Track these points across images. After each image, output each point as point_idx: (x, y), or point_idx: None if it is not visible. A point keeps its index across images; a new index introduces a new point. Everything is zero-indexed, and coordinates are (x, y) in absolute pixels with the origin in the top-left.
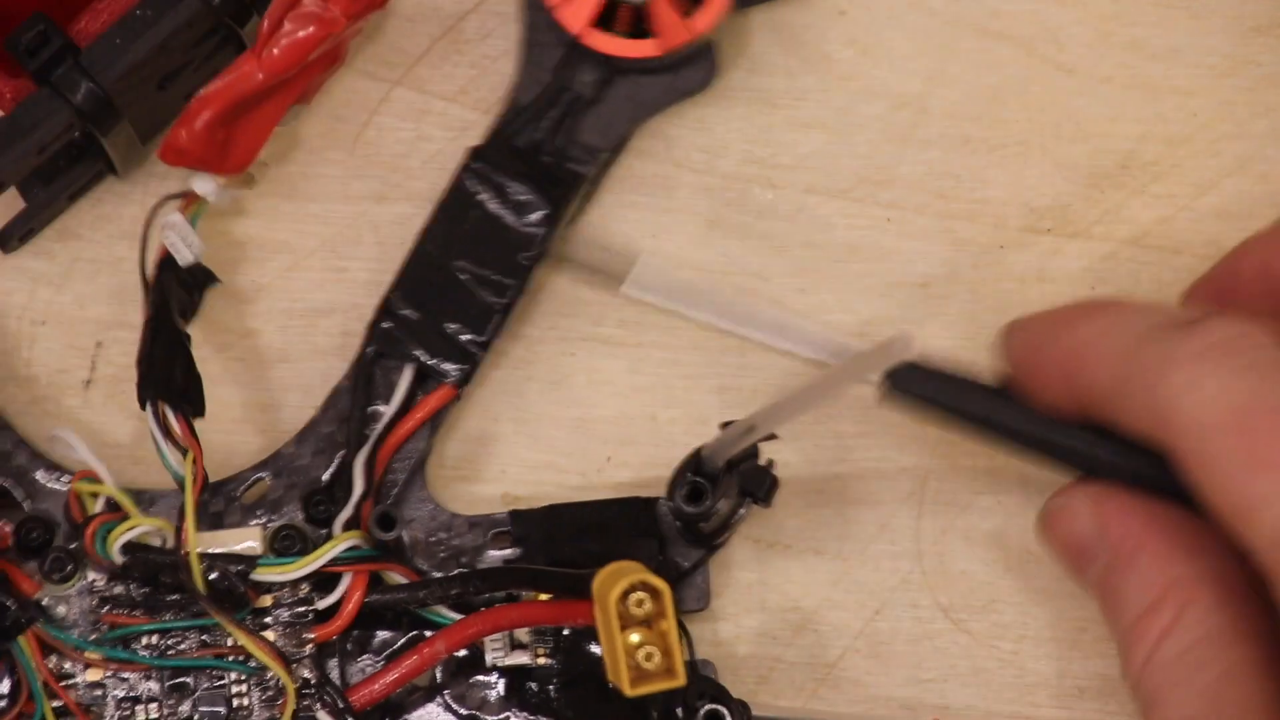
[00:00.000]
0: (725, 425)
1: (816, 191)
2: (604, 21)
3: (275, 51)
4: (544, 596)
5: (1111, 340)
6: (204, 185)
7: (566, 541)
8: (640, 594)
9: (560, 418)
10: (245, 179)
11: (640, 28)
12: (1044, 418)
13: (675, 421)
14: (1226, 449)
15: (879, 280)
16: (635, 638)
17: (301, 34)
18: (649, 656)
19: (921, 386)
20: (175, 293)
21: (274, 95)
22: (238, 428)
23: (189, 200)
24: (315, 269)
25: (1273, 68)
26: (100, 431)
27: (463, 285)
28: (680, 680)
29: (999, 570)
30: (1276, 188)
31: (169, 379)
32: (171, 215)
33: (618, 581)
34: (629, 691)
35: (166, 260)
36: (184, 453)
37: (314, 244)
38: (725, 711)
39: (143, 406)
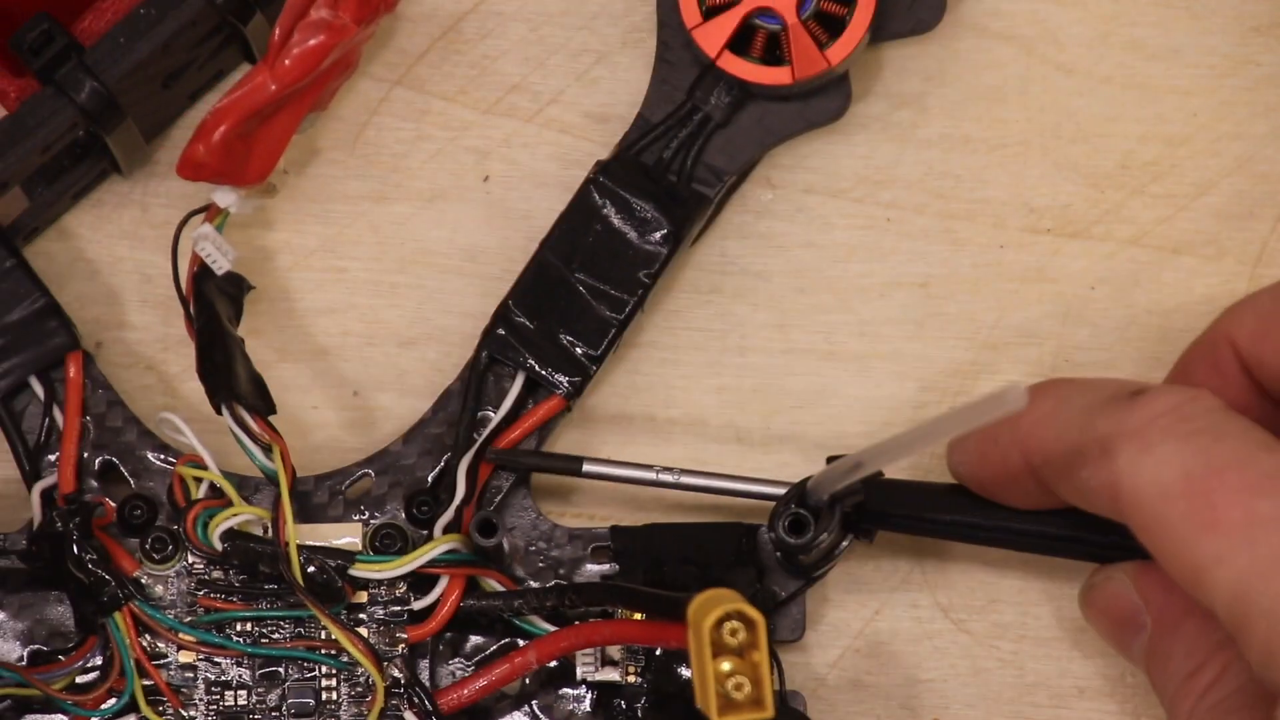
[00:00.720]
0: (832, 459)
1: (816, 191)
2: (739, 45)
3: (287, 61)
4: (639, 615)
5: (1060, 419)
6: (225, 197)
7: (666, 562)
8: (735, 623)
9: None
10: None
11: (775, 54)
12: (1009, 511)
13: (675, 421)
14: (1176, 514)
15: (878, 280)
16: (726, 666)
17: (312, 42)
18: (739, 686)
19: (889, 506)
20: (219, 299)
21: (289, 104)
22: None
23: (212, 213)
24: (315, 268)
25: (1272, 68)
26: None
27: (580, 297)
28: (769, 712)
29: (999, 570)
30: (1276, 187)
31: (234, 382)
32: (202, 227)
33: (713, 609)
34: (716, 719)
35: (202, 270)
36: (268, 449)
37: (314, 244)
38: None
39: (218, 411)
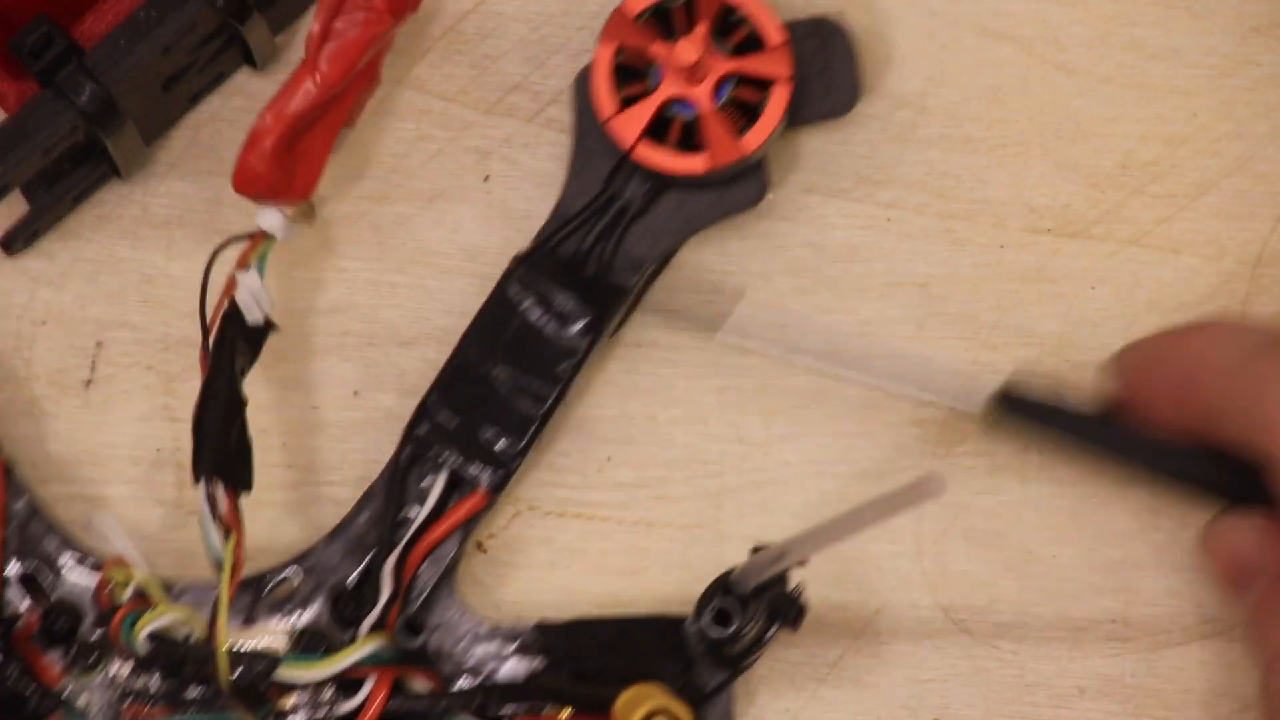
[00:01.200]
0: (756, 550)
1: (816, 191)
2: (655, 134)
3: (327, 61)
4: (566, 711)
5: (1220, 355)
6: (271, 220)
7: (592, 656)
8: (662, 718)
9: (561, 416)
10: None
11: (691, 142)
12: (1150, 441)
13: (676, 421)
14: None
15: (879, 280)
16: None
17: (351, 37)
18: None
19: (1029, 412)
20: (240, 345)
21: (326, 114)
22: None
23: (256, 240)
24: (315, 268)
25: (1272, 68)
26: (99, 431)
27: (501, 392)
28: None
29: (999, 570)
30: (1277, 187)
31: (223, 448)
32: (246, 273)
33: (640, 705)
34: None
35: (231, 314)
36: (227, 535)
37: (314, 243)
38: None
39: (196, 480)
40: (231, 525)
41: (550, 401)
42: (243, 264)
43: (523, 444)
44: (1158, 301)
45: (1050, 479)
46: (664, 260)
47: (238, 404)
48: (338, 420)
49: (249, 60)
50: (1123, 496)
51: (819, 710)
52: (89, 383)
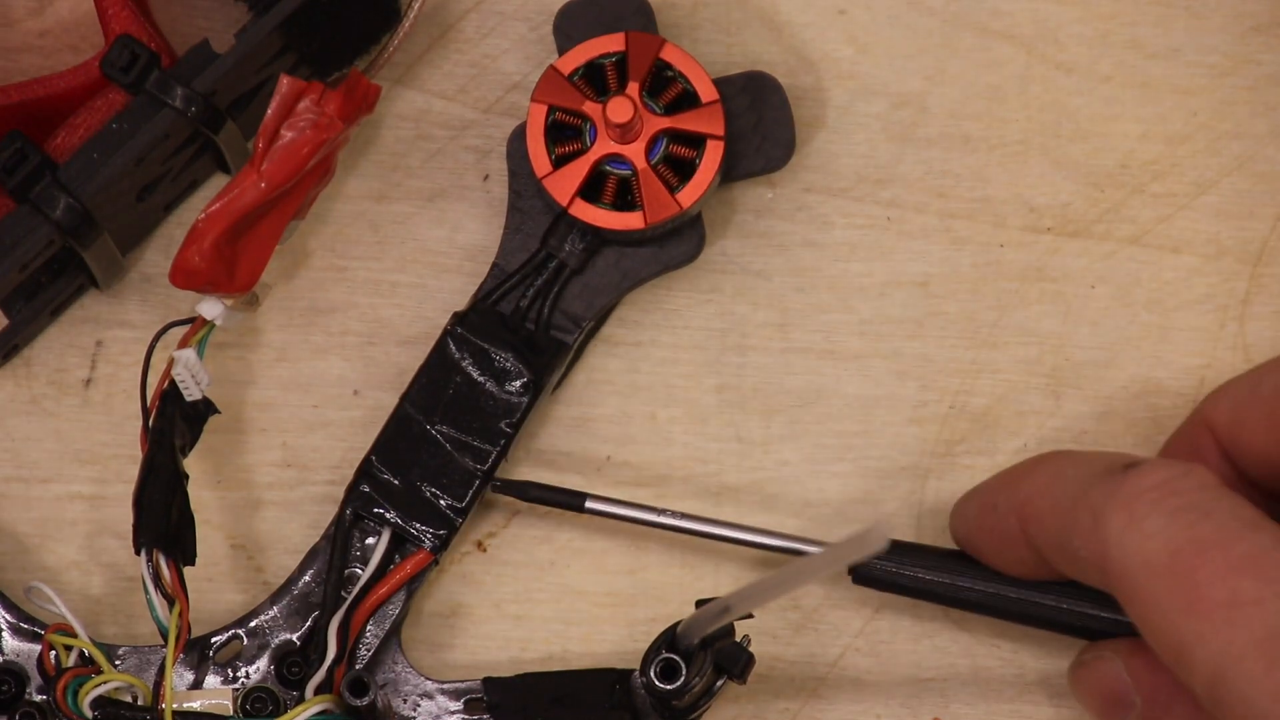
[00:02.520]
0: (701, 603)
1: (816, 190)
2: (590, 192)
3: (274, 161)
4: None
5: (1054, 491)
6: (211, 309)
7: (539, 711)
8: None
9: (560, 416)
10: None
11: (627, 199)
12: (1006, 580)
13: (675, 421)
14: (1161, 590)
15: (878, 279)
16: None
17: (299, 140)
18: None
19: (885, 569)
20: (178, 426)
21: (274, 210)
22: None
23: (197, 325)
24: (315, 268)
25: (1272, 66)
26: (100, 430)
27: (443, 450)
28: None
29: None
30: (1277, 186)
31: (164, 522)
32: (183, 351)
33: None
34: None
35: (170, 393)
36: (171, 604)
37: (314, 242)
38: None
39: (137, 552)
40: (175, 595)
41: (492, 459)
42: (183, 344)
43: (465, 502)
44: (1157, 301)
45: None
46: (603, 316)
47: (177, 480)
48: (338, 419)
49: (222, 167)
50: None
51: (819, 709)
52: (89, 382)
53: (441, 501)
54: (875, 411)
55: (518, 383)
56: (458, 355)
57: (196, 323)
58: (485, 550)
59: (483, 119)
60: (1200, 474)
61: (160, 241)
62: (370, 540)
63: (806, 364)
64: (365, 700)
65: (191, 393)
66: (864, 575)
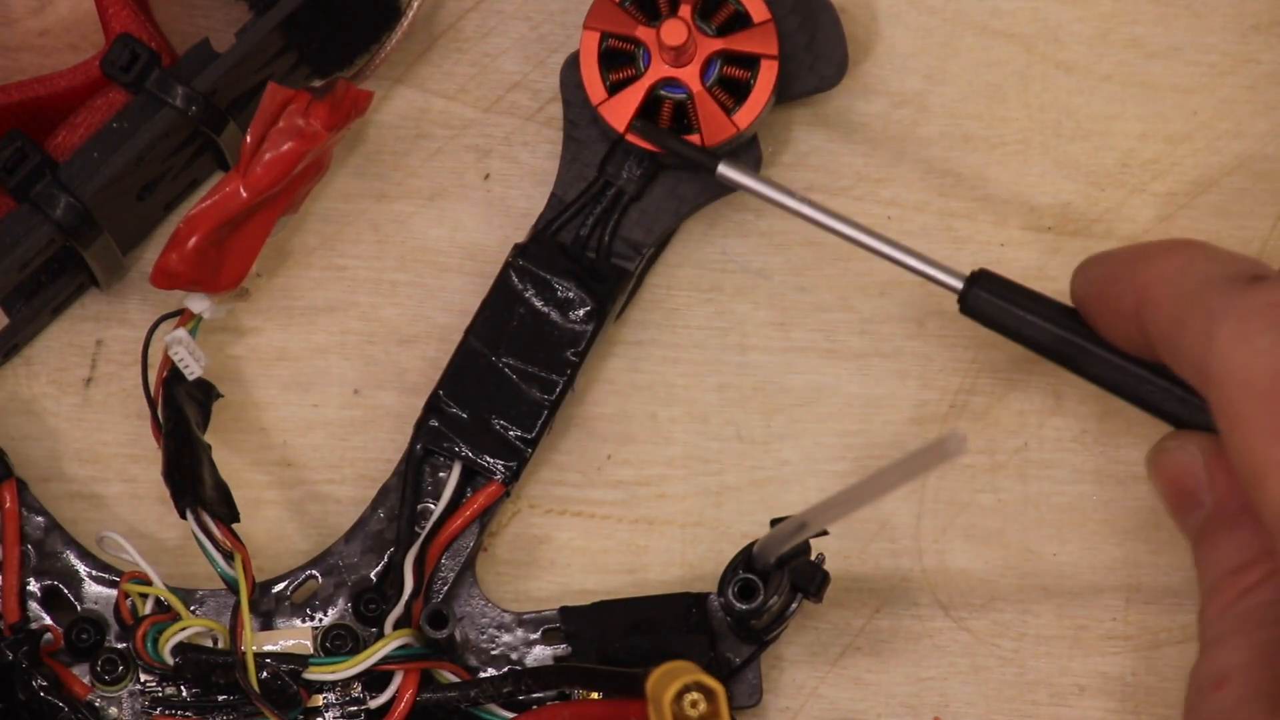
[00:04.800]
0: (776, 522)
1: (817, 189)
2: (647, 117)
3: (259, 169)
4: (595, 695)
5: (1177, 281)
6: (198, 304)
7: (617, 638)
8: (695, 694)
9: (561, 415)
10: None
11: (683, 123)
12: (1109, 351)
13: (676, 420)
14: (1255, 409)
15: (879, 278)
16: None
17: (284, 149)
18: None
19: (1001, 294)
20: (188, 403)
21: (262, 210)
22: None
23: (185, 318)
24: (315, 267)
25: (1272, 65)
26: (100, 430)
27: (509, 382)
28: None
29: (999, 569)
30: (1277, 185)
31: (199, 485)
32: (176, 331)
33: (672, 682)
34: None
35: (173, 374)
36: (230, 556)
37: (314, 242)
38: None
39: (182, 515)
40: (232, 547)
41: (559, 389)
42: (175, 327)
43: (534, 433)
44: None
45: (1050, 478)
46: (662, 243)
47: (201, 449)
48: (338, 419)
49: (222, 166)
50: (1123, 494)
51: (820, 709)
52: (89, 381)
53: (510, 433)
54: (876, 411)
55: (581, 311)
56: (520, 287)
57: (184, 315)
58: (486, 549)
59: (483, 118)
60: None
61: (161, 240)
62: (441, 475)
63: (807, 363)
64: (444, 632)
65: (192, 370)
66: (973, 307)
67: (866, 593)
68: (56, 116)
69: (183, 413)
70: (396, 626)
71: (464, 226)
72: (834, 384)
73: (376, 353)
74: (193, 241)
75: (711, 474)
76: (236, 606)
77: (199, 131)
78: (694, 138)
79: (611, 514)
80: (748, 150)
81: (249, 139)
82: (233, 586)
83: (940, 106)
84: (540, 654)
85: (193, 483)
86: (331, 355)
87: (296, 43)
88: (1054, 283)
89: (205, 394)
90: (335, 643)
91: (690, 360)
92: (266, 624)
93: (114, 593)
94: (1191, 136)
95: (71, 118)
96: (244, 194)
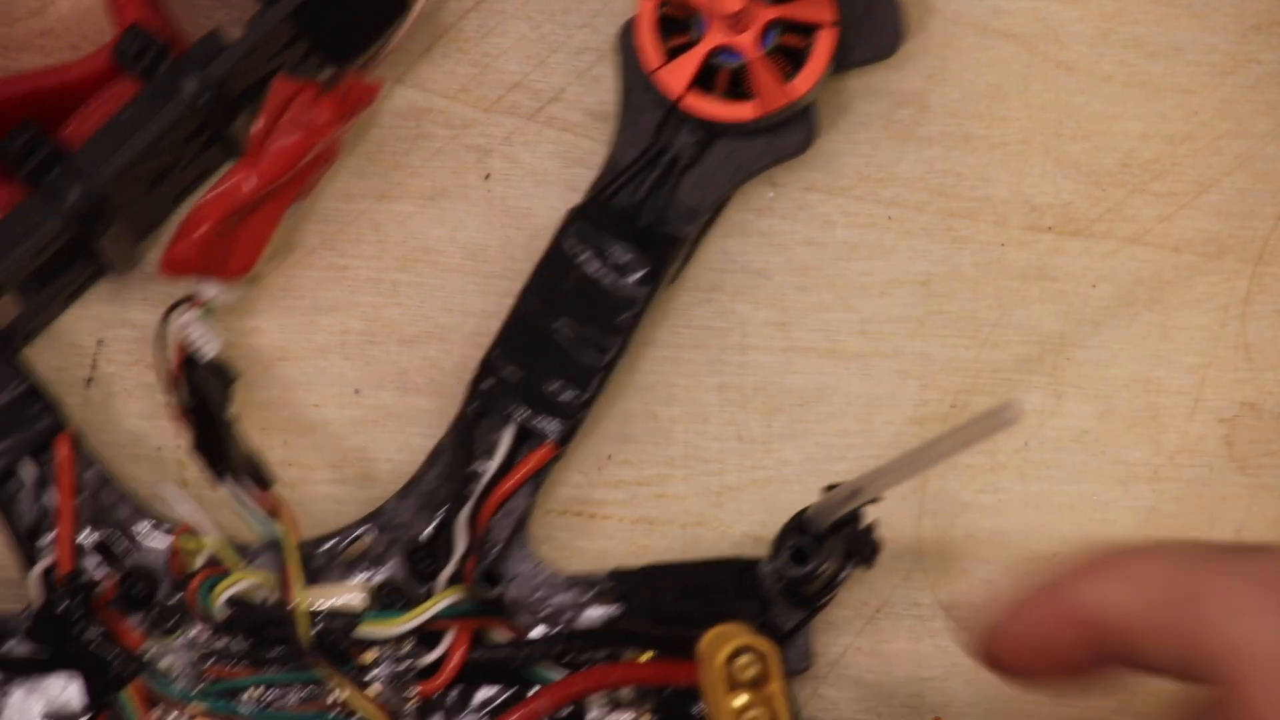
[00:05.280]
0: (829, 488)
1: (817, 189)
2: (703, 83)
3: (267, 159)
4: (647, 656)
5: (1145, 583)
6: (209, 290)
7: (668, 601)
8: (747, 657)
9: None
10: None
11: (739, 90)
12: None
13: (676, 420)
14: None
15: (880, 278)
16: (742, 700)
17: (291, 141)
18: (755, 719)
19: None
20: (208, 382)
21: (271, 200)
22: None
23: (195, 303)
24: (316, 267)
25: (1273, 65)
26: (101, 430)
27: (564, 345)
28: None
29: (999, 569)
30: (1277, 185)
31: (231, 455)
32: (186, 314)
33: (725, 644)
34: None
35: (190, 359)
36: (270, 517)
37: (315, 241)
38: None
39: (220, 481)
40: (273, 507)
41: (613, 352)
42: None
43: (588, 395)
44: (1158, 300)
45: (1050, 478)
46: (717, 209)
47: (226, 425)
48: (338, 418)
49: (233, 155)
50: (1123, 494)
51: (820, 708)
52: (90, 381)
53: (564, 395)
54: (876, 411)
55: (636, 275)
56: (575, 250)
57: (195, 301)
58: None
59: (483, 118)
60: None
61: (172, 230)
62: (494, 436)
63: (808, 363)
64: (497, 591)
65: (206, 351)
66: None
67: (867, 592)
68: (68, 106)
69: (204, 390)
70: (449, 585)
71: (465, 226)
72: (834, 384)
73: (377, 353)
74: (201, 230)
75: (712, 474)
76: (284, 561)
77: (209, 121)
78: (750, 105)
79: (612, 514)
80: (803, 119)
81: (256, 130)
82: (277, 545)
83: (940, 106)
84: (591, 615)
85: (224, 451)
86: (332, 355)
87: (307, 32)
88: (1054, 283)
89: (224, 374)
90: (387, 600)
91: (690, 360)
92: (319, 580)
93: (167, 546)
94: (1192, 136)
95: (83, 107)
96: (252, 184)
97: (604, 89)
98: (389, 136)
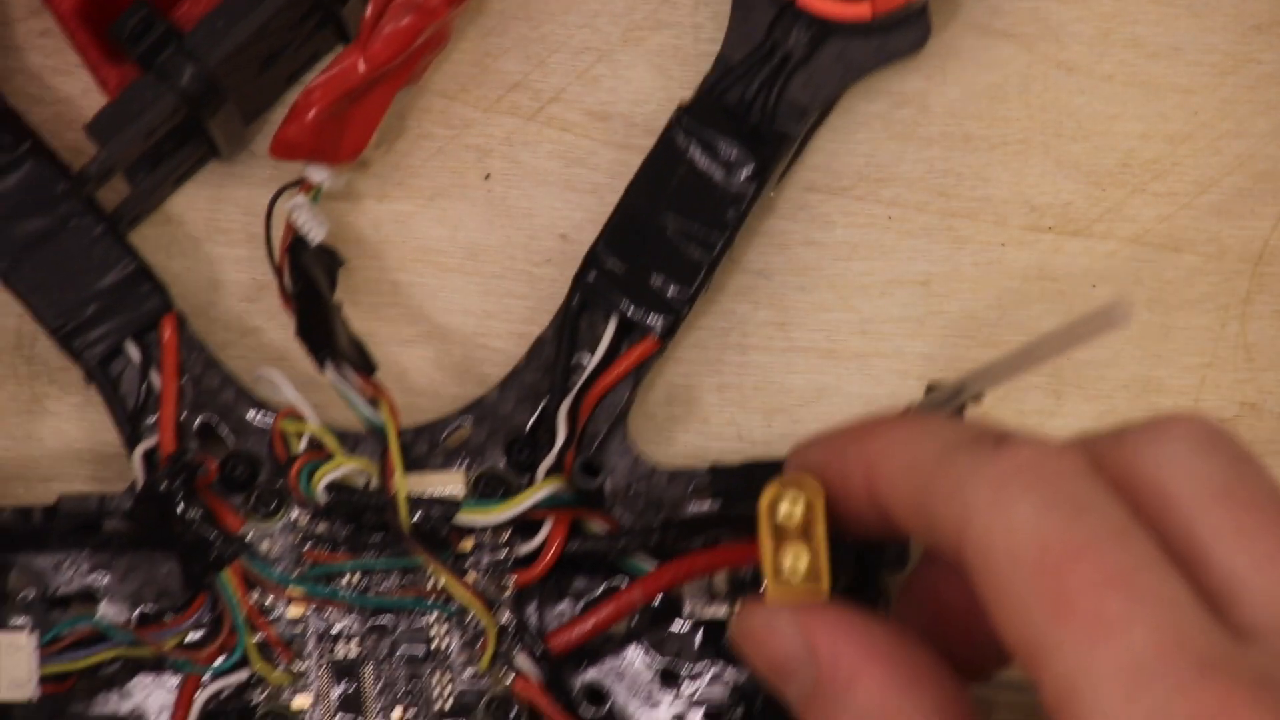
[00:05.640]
0: (930, 388)
1: (817, 189)
2: None
3: (378, 43)
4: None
5: (915, 448)
6: (318, 174)
7: None
8: (790, 497)
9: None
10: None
11: None
12: None
13: (676, 420)
14: (1026, 585)
15: (880, 278)
16: (788, 551)
17: (403, 24)
18: (795, 570)
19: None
20: (314, 267)
21: (381, 83)
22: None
23: (304, 187)
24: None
25: (1273, 65)
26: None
27: (669, 239)
28: (822, 585)
29: None
30: (1277, 185)
31: (334, 340)
32: (296, 198)
33: (769, 490)
34: (769, 601)
35: (296, 241)
36: (374, 402)
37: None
38: None
39: (321, 368)
40: (375, 393)
41: (718, 248)
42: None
43: (692, 290)
44: (1159, 299)
45: None
46: (826, 108)
47: (332, 307)
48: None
49: (344, 38)
50: None
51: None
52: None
53: (669, 289)
54: (876, 407)
55: (744, 172)
56: (683, 145)
57: (303, 185)
58: None
59: (483, 118)
60: (1074, 457)
61: (282, 114)
62: (597, 329)
63: (808, 363)
64: (597, 482)
65: (313, 234)
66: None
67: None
68: None
69: (310, 275)
70: (548, 475)
71: (464, 226)
72: (835, 384)
73: (377, 353)
74: (312, 114)
75: None
76: (386, 448)
77: (322, 3)
78: (865, 4)
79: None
80: (918, 18)
81: (369, 12)
82: (379, 431)
83: (940, 106)
84: (689, 510)
85: (327, 337)
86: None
87: None
88: (1055, 283)
89: (330, 259)
90: (486, 489)
91: (690, 360)
92: (419, 468)
93: (268, 430)
94: (1192, 136)
95: None
96: (363, 67)
97: (604, 89)
98: (389, 136)
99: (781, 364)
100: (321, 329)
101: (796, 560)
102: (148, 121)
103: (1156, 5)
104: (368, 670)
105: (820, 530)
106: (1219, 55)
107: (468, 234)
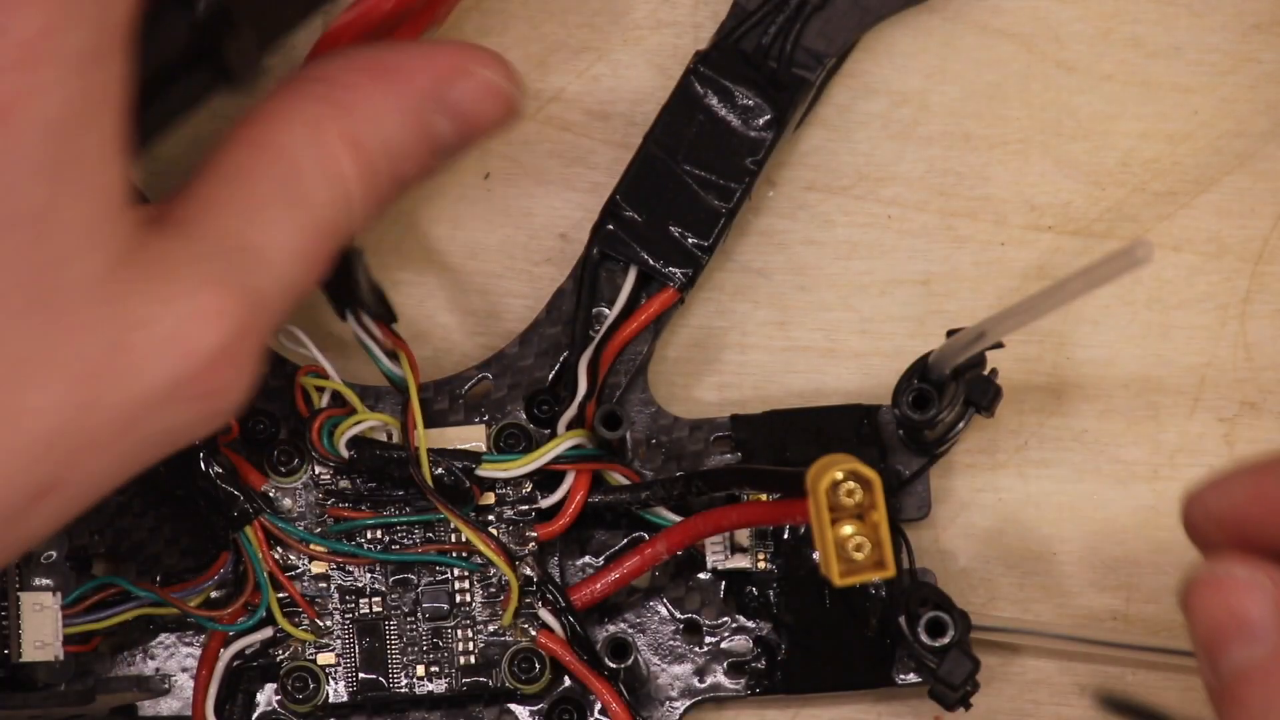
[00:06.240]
0: (952, 333)
1: (817, 189)
2: None
3: None
4: (764, 497)
5: None
6: None
7: (788, 447)
8: (851, 484)
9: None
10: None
11: None
12: None
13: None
14: None
15: (879, 278)
16: (847, 529)
17: None
18: (859, 547)
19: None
20: None
21: (408, 21)
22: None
23: None
24: None
25: (1273, 65)
26: None
27: (688, 188)
28: (890, 571)
29: (999, 569)
30: (1277, 185)
31: (356, 289)
32: None
33: (829, 471)
34: (838, 582)
35: None
36: (394, 355)
37: None
38: (948, 620)
39: (342, 318)
40: (395, 346)
41: (737, 196)
42: None
43: (711, 240)
44: (1158, 299)
45: (1050, 478)
46: (844, 53)
47: (354, 253)
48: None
49: None
50: (1123, 494)
51: (820, 708)
52: None
53: (688, 240)
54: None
55: (762, 119)
56: (701, 93)
57: None
58: None
59: None
60: None
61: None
62: (617, 280)
63: (808, 362)
64: (618, 433)
65: None
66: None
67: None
68: None
69: None
70: (569, 428)
71: (464, 225)
72: (835, 383)
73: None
74: (340, 45)
75: None
76: (406, 403)
77: None
78: None
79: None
80: None
81: None
82: (399, 385)
83: (940, 106)
84: (710, 461)
85: (349, 286)
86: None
87: None
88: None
89: None
90: (508, 442)
91: (690, 359)
92: (440, 422)
93: (289, 386)
94: (1192, 136)
95: None
96: (389, 4)
97: (604, 88)
98: None
99: (781, 363)
100: (344, 276)
101: (859, 542)
102: (160, 46)
103: (1156, 5)
104: (391, 626)
105: (883, 516)
106: (1219, 55)
107: (467, 233)
